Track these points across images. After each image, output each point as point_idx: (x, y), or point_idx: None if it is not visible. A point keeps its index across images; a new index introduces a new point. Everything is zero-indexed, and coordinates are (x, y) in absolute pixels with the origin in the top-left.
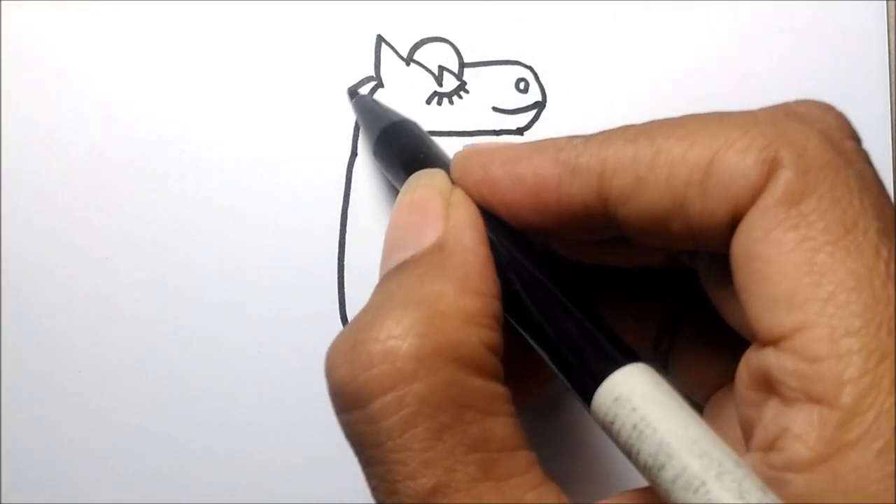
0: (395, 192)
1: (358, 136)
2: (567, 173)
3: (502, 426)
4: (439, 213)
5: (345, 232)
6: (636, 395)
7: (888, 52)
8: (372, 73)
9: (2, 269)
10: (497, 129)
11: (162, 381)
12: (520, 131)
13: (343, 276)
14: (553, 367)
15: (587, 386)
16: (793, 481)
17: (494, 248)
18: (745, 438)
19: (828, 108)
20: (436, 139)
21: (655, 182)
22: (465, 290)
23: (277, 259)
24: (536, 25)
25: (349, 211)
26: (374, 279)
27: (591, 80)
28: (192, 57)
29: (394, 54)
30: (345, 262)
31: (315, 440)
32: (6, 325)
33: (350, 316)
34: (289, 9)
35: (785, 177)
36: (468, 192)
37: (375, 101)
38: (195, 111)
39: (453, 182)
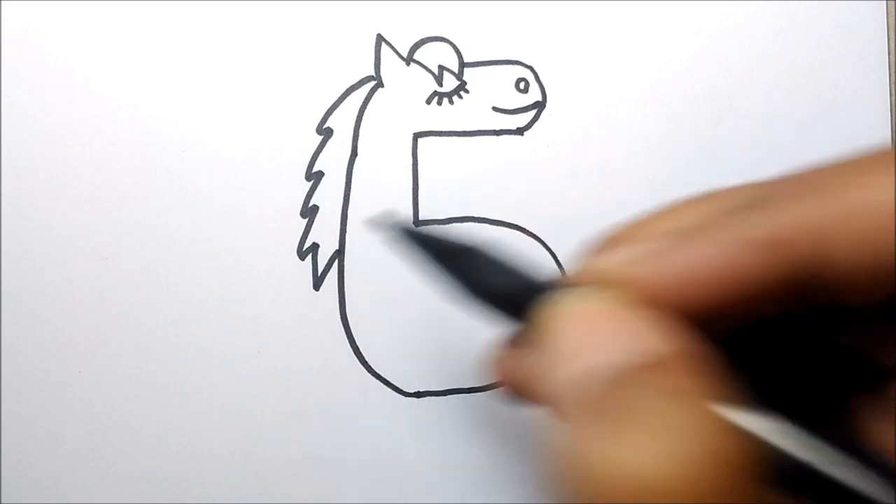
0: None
1: (358, 136)
2: (747, 255)
3: None
4: (635, 323)
5: (345, 232)
6: None
7: (888, 52)
8: (372, 72)
9: (2, 269)
10: (497, 128)
11: (162, 381)
12: (520, 131)
13: (343, 276)
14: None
15: None
16: None
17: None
18: None
19: None
20: (436, 139)
21: (862, 234)
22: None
23: (277, 259)
24: (536, 25)
25: (349, 211)
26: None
27: (591, 80)
28: (192, 57)
29: (394, 54)
30: (345, 262)
31: (315, 440)
32: (6, 325)
33: (350, 316)
34: (289, 9)
35: None
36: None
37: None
38: (195, 111)
39: None
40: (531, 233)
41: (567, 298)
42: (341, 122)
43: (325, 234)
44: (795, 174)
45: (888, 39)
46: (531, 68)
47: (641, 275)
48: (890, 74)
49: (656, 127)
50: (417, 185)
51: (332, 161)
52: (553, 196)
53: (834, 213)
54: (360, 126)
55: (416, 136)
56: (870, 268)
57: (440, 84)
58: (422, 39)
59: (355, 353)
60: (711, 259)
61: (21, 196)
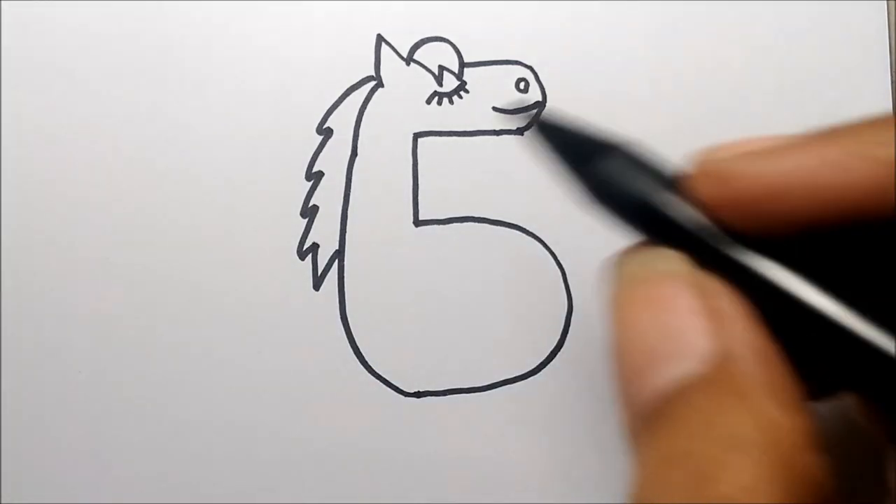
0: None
1: (358, 136)
2: (866, 171)
3: None
4: (699, 313)
5: (345, 232)
6: None
7: (888, 52)
8: (372, 73)
9: (2, 269)
10: (497, 128)
11: (162, 381)
12: (520, 131)
13: (343, 276)
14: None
15: None
16: None
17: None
18: None
19: None
20: (436, 139)
21: None
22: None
23: (277, 259)
24: (536, 25)
25: (349, 211)
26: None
27: (591, 80)
28: (192, 57)
29: (394, 54)
30: (345, 263)
31: (315, 440)
32: (6, 325)
33: (350, 316)
34: (289, 8)
35: None
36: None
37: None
38: (195, 111)
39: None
40: (531, 233)
41: (632, 266)
42: (341, 122)
43: (325, 234)
44: None
45: (888, 39)
46: (531, 68)
47: (754, 170)
48: (890, 74)
49: (656, 127)
50: (417, 185)
51: (332, 161)
52: (553, 196)
53: None
54: (360, 126)
55: (416, 136)
56: None
57: (440, 84)
58: (422, 39)
59: (355, 353)
60: (827, 168)
61: (21, 196)
